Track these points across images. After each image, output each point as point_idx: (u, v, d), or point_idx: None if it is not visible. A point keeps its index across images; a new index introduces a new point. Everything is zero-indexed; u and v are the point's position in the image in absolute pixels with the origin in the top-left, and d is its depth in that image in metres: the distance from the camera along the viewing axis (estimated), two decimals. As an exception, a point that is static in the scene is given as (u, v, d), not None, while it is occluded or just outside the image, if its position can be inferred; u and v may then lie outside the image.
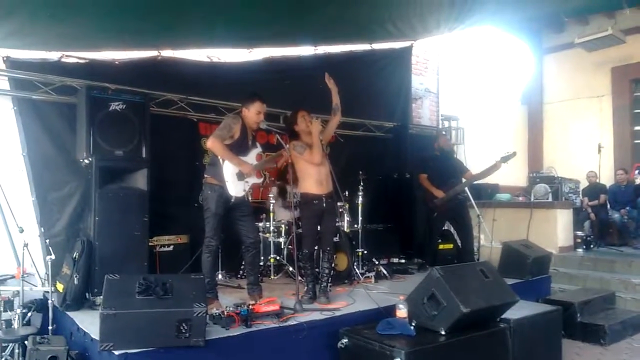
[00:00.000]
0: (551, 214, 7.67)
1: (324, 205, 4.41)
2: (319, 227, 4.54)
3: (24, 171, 4.84)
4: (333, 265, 4.84)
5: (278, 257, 5.78)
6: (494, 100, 10.15)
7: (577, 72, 9.53)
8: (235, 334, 3.41)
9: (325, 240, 4.58)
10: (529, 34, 10.17)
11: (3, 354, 3.78)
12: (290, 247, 5.69)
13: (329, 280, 4.66)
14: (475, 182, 6.49)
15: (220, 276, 5.50)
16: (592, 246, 7.89)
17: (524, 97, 10.91)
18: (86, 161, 4.55)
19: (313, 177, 4.40)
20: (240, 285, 5.08)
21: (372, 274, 5.65)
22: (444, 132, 7.73)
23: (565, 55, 9.69)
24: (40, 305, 4.39)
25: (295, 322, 3.72)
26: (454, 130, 8.97)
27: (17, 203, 4.78)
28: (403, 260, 6.55)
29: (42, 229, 4.80)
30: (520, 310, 4.13)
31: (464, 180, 6.09)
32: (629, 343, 5.15)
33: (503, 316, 3.98)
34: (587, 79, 9.41)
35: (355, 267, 5.68)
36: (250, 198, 4.67)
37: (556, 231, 7.57)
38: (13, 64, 4.79)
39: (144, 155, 4.76)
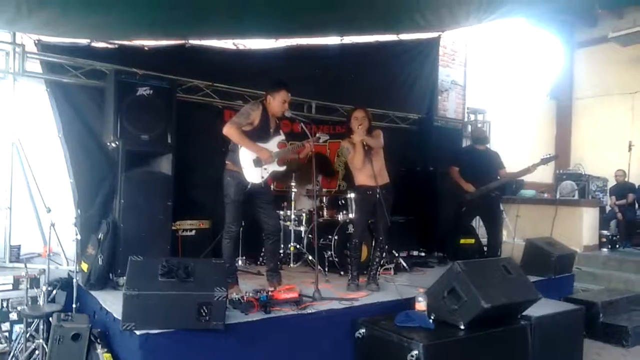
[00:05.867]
0: (577, 212, 7.53)
1: (377, 196, 4.49)
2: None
3: (56, 153, 4.94)
4: (384, 254, 4.93)
5: (298, 246, 5.80)
6: (521, 94, 9.95)
7: (609, 67, 9.28)
8: (255, 319, 3.43)
9: (379, 230, 4.66)
10: (561, 28, 9.93)
11: (28, 329, 3.89)
12: (310, 236, 5.70)
13: (379, 269, 4.82)
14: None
15: (240, 262, 5.55)
16: (617, 246, 7.73)
17: (552, 92, 10.68)
18: (113, 144, 4.61)
19: (366, 170, 4.55)
20: (260, 272, 5.11)
21: (392, 265, 5.62)
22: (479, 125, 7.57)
23: (598, 50, 9.44)
24: (65, 284, 4.49)
25: (313, 310, 3.72)
26: (480, 124, 8.84)
27: (46, 183, 4.90)
28: (423, 254, 6.50)
29: (79, 211, 4.83)
30: (542, 308, 4.07)
31: (499, 177, 5.96)
32: (652, 346, 5.04)
33: (524, 313, 3.93)
34: (620, 75, 9.15)
35: (375, 258, 5.67)
36: (273, 187, 4.69)
37: (581, 230, 7.43)
38: (44, 47, 4.87)
39: (169, 141, 4.80)
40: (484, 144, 6.35)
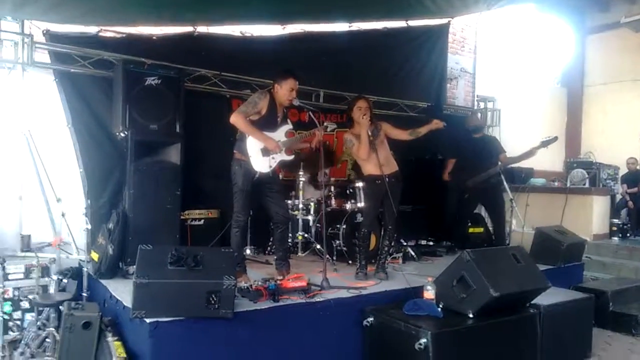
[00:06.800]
0: (587, 200, 7.47)
1: (387, 185, 4.42)
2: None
3: (66, 143, 4.95)
4: (393, 243, 4.91)
5: (306, 235, 5.81)
6: (532, 82, 9.84)
7: (622, 54, 9.14)
8: (263, 307, 3.45)
9: (387, 219, 4.64)
10: (572, 13, 9.78)
11: (39, 317, 3.95)
12: (319, 225, 5.70)
13: (387, 258, 4.80)
14: (509, 166, 6.32)
15: (248, 251, 5.57)
16: (628, 235, 7.68)
17: (563, 79, 10.56)
18: (122, 134, 4.63)
19: (372, 160, 4.49)
20: (268, 261, 5.13)
21: (400, 254, 5.62)
22: (478, 113, 7.54)
23: (610, 36, 9.30)
24: (75, 273, 4.54)
25: (322, 299, 3.73)
26: (489, 112, 8.75)
27: (56, 173, 4.92)
28: (431, 243, 6.49)
29: (89, 201, 4.85)
30: (552, 297, 4.07)
31: (499, 163, 5.93)
32: (662, 335, 5.02)
33: (533, 302, 3.93)
34: (632, 61, 9.01)
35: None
36: (281, 176, 4.70)
37: (592, 218, 7.39)
38: (52, 37, 4.86)
39: (177, 130, 4.80)
40: (480, 132, 6.33)
